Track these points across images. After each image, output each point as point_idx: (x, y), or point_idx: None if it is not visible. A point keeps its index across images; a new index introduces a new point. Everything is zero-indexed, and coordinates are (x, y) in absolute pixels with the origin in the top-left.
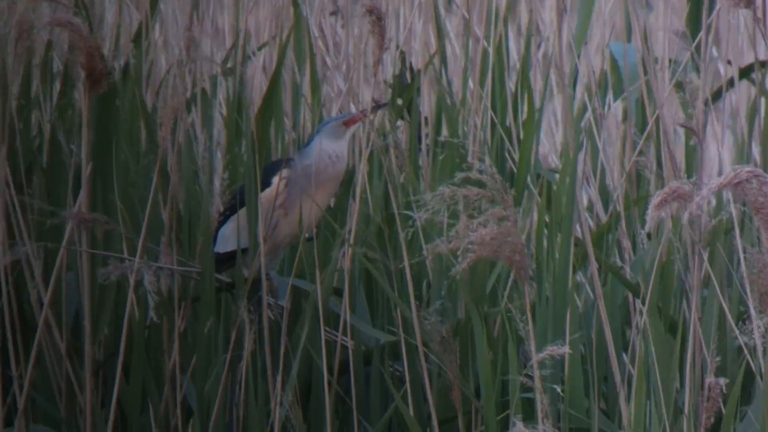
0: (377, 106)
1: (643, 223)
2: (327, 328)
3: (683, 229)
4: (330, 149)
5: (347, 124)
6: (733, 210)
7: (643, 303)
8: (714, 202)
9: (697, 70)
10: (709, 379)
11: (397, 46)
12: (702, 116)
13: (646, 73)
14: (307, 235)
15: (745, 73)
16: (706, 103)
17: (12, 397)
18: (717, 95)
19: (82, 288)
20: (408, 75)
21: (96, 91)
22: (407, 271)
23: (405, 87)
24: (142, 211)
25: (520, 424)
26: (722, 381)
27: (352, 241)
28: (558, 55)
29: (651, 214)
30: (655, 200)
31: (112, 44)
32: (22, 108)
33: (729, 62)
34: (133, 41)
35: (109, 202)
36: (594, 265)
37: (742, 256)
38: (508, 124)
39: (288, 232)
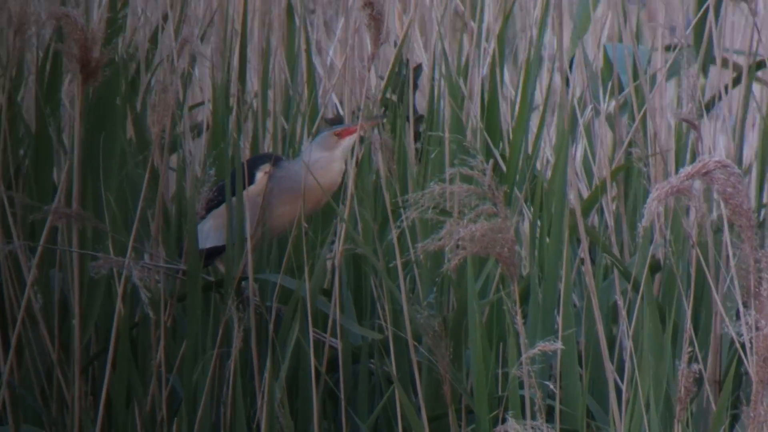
0: (373, 117)
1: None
2: (315, 329)
3: (677, 222)
4: (315, 160)
5: (340, 135)
6: (723, 206)
7: (635, 289)
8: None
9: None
10: (682, 367)
11: (396, 43)
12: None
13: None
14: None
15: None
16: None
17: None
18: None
19: (69, 285)
20: (405, 71)
21: (90, 84)
22: (399, 267)
23: (401, 82)
24: (133, 207)
25: (512, 421)
26: (695, 368)
27: (341, 239)
28: (559, 49)
29: (650, 207)
30: (654, 194)
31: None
32: (13, 102)
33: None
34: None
35: (99, 197)
36: (584, 237)
37: (730, 252)
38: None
39: (265, 230)
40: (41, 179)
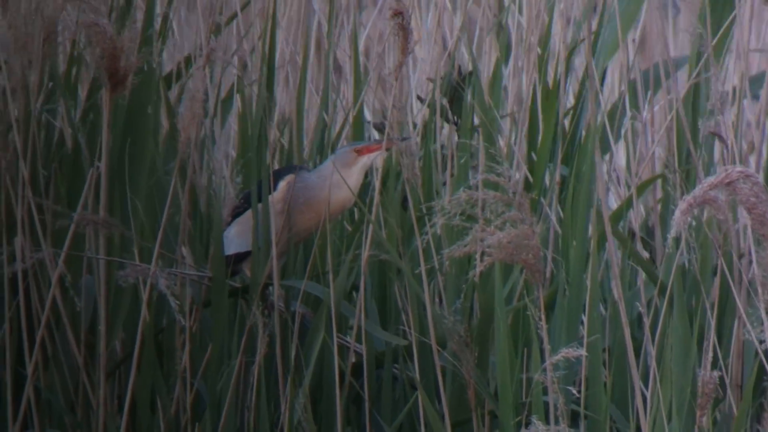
0: (399, 138)
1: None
2: (339, 335)
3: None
4: (331, 174)
5: (360, 152)
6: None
7: (662, 294)
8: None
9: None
10: (703, 373)
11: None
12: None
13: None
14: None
15: None
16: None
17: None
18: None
19: (97, 291)
20: (456, 76)
21: (118, 93)
22: (423, 274)
23: (453, 87)
24: (161, 214)
25: (538, 423)
26: (715, 375)
27: (368, 245)
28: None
29: (678, 218)
30: (682, 205)
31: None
32: (43, 111)
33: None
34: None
35: (127, 204)
36: (612, 243)
37: (754, 257)
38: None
39: (285, 239)
40: (71, 187)
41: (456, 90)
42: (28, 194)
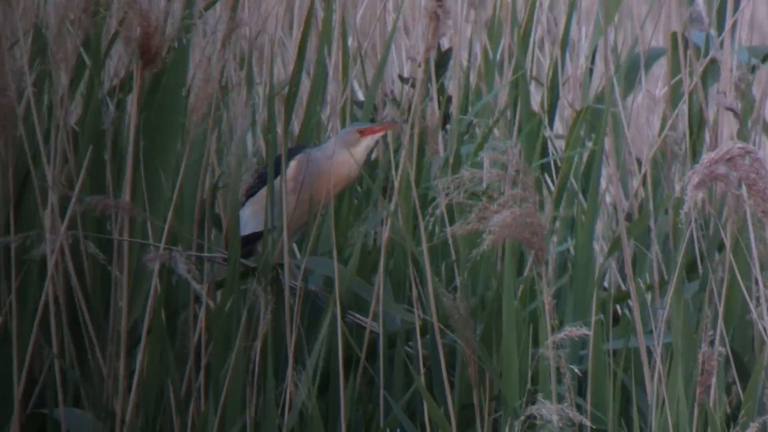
0: (404, 120)
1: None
2: (352, 313)
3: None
4: (334, 153)
5: (363, 133)
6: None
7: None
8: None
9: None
10: (704, 349)
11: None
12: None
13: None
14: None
15: None
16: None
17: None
18: None
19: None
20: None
21: (150, 70)
22: (425, 253)
23: (438, 65)
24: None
25: (545, 403)
26: (717, 351)
27: (387, 224)
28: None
29: (689, 194)
30: (693, 181)
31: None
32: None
33: None
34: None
35: (154, 186)
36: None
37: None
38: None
39: (296, 217)
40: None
41: (437, 68)
42: (58, 178)
